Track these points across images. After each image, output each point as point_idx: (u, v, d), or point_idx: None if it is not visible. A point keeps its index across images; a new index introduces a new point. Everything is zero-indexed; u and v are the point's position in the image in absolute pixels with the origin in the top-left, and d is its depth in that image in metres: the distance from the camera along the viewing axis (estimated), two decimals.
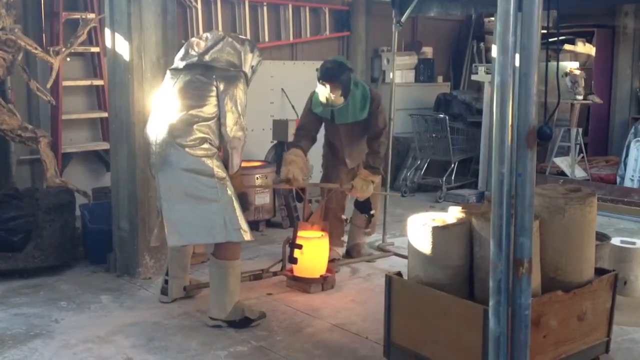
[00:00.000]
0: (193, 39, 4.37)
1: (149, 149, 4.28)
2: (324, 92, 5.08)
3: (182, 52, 4.33)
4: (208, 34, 4.34)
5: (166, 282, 4.61)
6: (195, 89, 4.13)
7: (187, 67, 4.20)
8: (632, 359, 3.74)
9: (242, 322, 4.20)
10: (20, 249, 5.13)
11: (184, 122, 4.07)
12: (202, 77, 4.13)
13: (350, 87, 5.10)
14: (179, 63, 4.28)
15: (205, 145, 4.08)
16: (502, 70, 1.94)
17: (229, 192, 4.13)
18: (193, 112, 4.07)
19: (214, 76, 4.12)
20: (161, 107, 4.23)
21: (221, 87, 4.09)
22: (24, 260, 5.08)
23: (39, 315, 4.37)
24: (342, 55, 8.97)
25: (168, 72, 4.36)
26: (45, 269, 5.14)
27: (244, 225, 4.13)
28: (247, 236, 4.13)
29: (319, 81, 5.11)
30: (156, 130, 4.17)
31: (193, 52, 4.24)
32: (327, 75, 5.06)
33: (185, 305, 4.54)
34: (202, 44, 4.25)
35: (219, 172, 4.11)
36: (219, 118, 4.10)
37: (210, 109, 4.09)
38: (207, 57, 4.17)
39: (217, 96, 4.09)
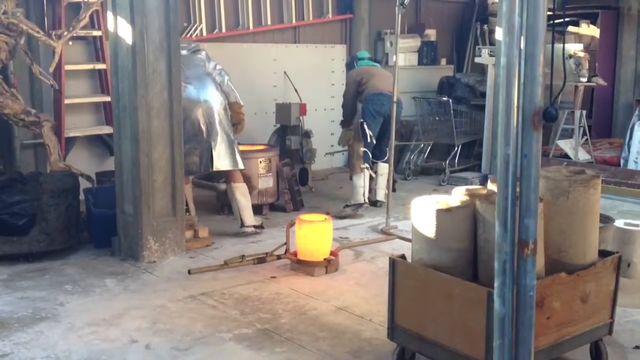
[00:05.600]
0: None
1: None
2: None
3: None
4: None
5: None
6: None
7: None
8: (636, 341, 3.75)
9: (261, 226, 5.98)
10: (25, 232, 5.15)
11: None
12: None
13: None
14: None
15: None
16: (507, 51, 1.92)
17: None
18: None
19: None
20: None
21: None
22: (29, 244, 5.10)
23: (44, 298, 4.39)
24: (345, 38, 8.97)
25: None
26: (50, 253, 5.16)
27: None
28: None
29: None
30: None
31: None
32: None
33: (190, 289, 4.56)
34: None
35: None
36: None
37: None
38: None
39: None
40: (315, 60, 8.84)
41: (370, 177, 6.80)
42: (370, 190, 6.96)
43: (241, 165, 5.81)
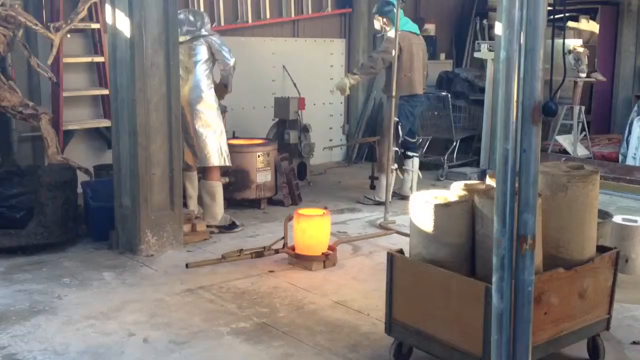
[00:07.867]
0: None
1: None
2: None
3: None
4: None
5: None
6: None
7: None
8: (633, 336, 3.76)
9: (230, 227, 5.75)
10: (22, 225, 5.14)
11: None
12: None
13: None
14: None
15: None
16: (507, 46, 1.91)
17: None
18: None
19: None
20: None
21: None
22: (27, 237, 5.09)
23: (42, 291, 4.39)
24: (344, 32, 8.93)
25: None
26: (48, 246, 5.15)
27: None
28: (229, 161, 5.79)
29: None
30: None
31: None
32: None
33: (188, 282, 4.56)
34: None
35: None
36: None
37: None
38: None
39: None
40: (314, 55, 8.83)
41: (397, 177, 6.62)
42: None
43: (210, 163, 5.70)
